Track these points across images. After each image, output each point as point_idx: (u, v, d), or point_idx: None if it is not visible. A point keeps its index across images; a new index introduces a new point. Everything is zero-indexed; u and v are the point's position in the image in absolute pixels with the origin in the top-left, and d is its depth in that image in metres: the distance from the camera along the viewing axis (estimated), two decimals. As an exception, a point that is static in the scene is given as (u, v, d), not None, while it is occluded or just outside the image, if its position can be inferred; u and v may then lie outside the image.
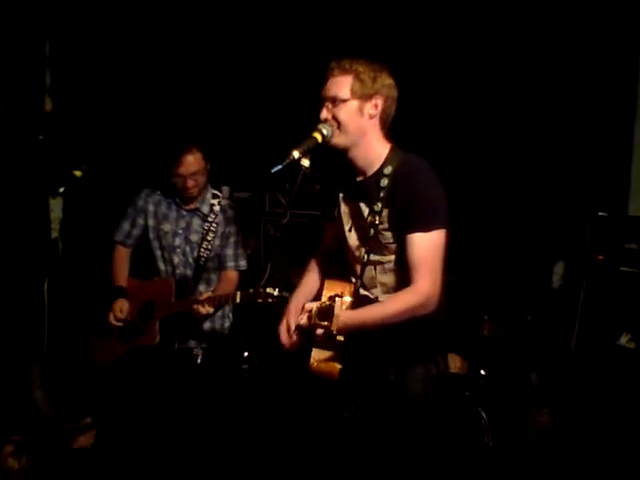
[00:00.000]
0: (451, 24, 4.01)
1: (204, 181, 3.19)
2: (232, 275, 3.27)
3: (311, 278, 2.59)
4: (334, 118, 2.24)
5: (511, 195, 3.94)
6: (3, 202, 3.90)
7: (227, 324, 3.39)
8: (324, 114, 2.25)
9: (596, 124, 3.81)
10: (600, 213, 3.62)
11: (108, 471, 3.09)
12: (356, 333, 2.16)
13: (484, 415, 3.24)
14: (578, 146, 3.86)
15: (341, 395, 2.42)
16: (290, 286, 2.89)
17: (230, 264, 3.27)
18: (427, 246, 2.18)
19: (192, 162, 3.08)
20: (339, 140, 2.26)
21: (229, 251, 3.26)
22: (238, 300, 2.91)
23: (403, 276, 2.26)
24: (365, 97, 2.23)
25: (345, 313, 2.08)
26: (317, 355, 2.27)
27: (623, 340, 3.40)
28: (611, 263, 3.53)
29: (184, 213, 3.25)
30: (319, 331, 2.09)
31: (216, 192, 3.30)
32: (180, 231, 3.25)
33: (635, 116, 3.81)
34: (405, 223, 2.20)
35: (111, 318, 3.18)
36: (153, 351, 3.13)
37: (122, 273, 3.33)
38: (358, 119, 2.25)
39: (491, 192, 3.91)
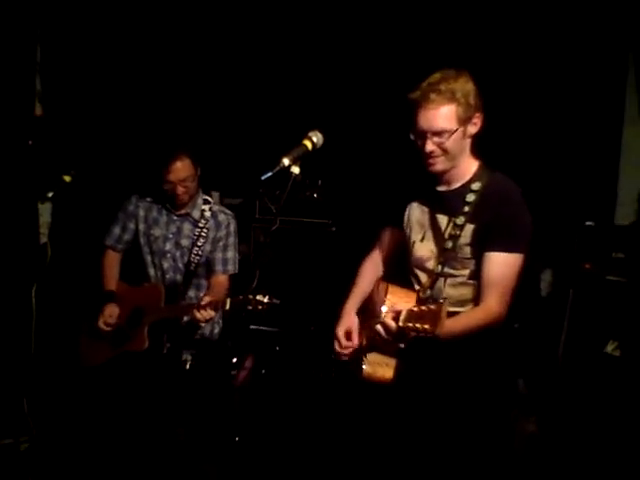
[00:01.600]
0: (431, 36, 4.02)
1: (194, 187, 3.18)
2: (222, 279, 3.26)
3: (365, 282, 2.59)
4: (440, 148, 2.22)
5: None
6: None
7: (217, 330, 3.38)
8: (430, 147, 2.21)
9: (583, 134, 3.84)
10: (587, 222, 3.64)
11: (96, 475, 3.08)
12: (441, 341, 2.13)
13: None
14: (565, 156, 3.88)
15: (390, 401, 2.42)
16: (280, 292, 2.89)
17: (219, 268, 3.25)
18: (505, 267, 2.21)
19: (181, 169, 3.07)
20: (445, 166, 2.26)
21: (218, 255, 3.25)
22: (228, 307, 2.90)
23: (471, 291, 2.29)
24: (468, 120, 2.23)
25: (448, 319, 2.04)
26: (373, 359, 2.26)
27: (609, 348, 3.42)
28: (598, 272, 3.55)
29: (175, 218, 3.25)
30: (412, 333, 2.05)
31: (207, 197, 3.30)
32: (170, 236, 3.24)
33: (622, 126, 3.84)
34: (487, 241, 2.21)
35: (101, 323, 3.16)
36: (142, 356, 3.12)
37: (112, 278, 3.32)
38: (462, 142, 2.26)
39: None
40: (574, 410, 3.43)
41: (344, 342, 2.42)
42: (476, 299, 2.26)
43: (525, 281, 3.82)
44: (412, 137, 2.26)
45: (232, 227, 3.29)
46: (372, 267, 2.62)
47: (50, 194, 3.00)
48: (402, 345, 2.15)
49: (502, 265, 2.20)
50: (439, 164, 2.25)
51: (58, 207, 3.20)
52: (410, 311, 2.03)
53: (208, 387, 3.27)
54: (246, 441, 3.32)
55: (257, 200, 4.28)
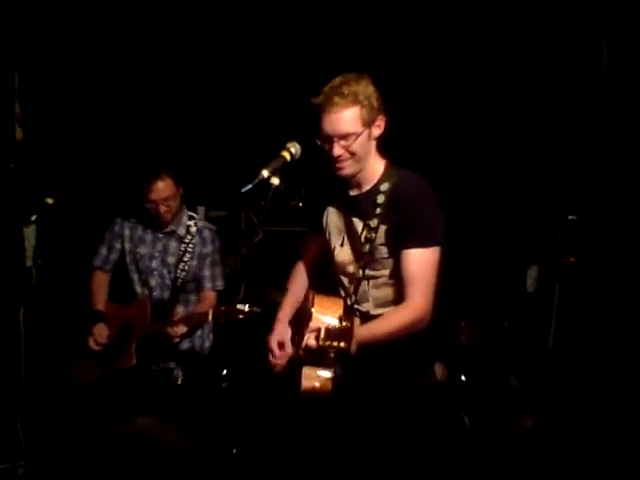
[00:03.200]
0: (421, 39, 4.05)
1: (177, 205, 3.19)
2: (210, 295, 3.28)
3: (296, 290, 2.60)
4: (347, 151, 2.23)
5: (482, 202, 3.99)
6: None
7: (207, 344, 3.39)
8: (337, 151, 2.22)
9: (564, 129, 3.87)
10: (570, 217, 3.67)
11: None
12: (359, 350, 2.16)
13: (467, 420, 3.26)
14: (547, 151, 3.91)
15: (332, 413, 2.42)
16: (266, 303, 2.90)
17: (207, 285, 3.28)
18: (423, 262, 2.22)
19: (163, 188, 3.09)
20: (353, 170, 2.27)
21: (206, 272, 3.27)
22: (210, 317, 2.92)
23: (395, 290, 2.31)
24: (372, 122, 2.24)
25: (357, 332, 2.06)
26: (309, 374, 2.25)
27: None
28: (583, 265, 3.58)
29: (160, 236, 3.26)
30: (331, 352, 2.10)
31: (192, 214, 3.32)
32: (157, 254, 3.25)
33: (602, 119, 3.87)
34: (402, 239, 2.23)
35: (91, 343, 3.17)
36: (131, 373, 3.12)
37: (100, 297, 3.33)
38: (368, 144, 2.27)
39: (462, 200, 3.96)
40: (567, 403, 3.46)
41: (277, 353, 2.40)
42: (400, 298, 2.27)
43: (511, 278, 3.90)
44: (318, 142, 2.27)
45: (217, 243, 3.31)
46: (300, 276, 2.63)
47: (34, 217, 3.01)
48: (332, 356, 2.15)
49: (419, 261, 2.22)
50: (347, 168, 2.26)
51: (42, 229, 3.20)
52: (327, 330, 2.05)
53: (200, 401, 3.27)
54: (244, 452, 3.32)
55: (242, 212, 4.30)
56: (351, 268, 2.37)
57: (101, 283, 3.35)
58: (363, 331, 2.16)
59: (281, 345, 2.43)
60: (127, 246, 3.30)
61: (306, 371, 2.26)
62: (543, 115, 3.91)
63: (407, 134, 3.86)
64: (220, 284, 3.30)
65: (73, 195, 3.70)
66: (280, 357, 2.40)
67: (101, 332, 3.18)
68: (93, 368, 3.22)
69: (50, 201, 3.01)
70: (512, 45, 3.88)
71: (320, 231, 2.50)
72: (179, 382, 3.20)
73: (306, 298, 2.52)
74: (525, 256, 3.86)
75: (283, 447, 3.08)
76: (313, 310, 2.31)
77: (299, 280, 2.63)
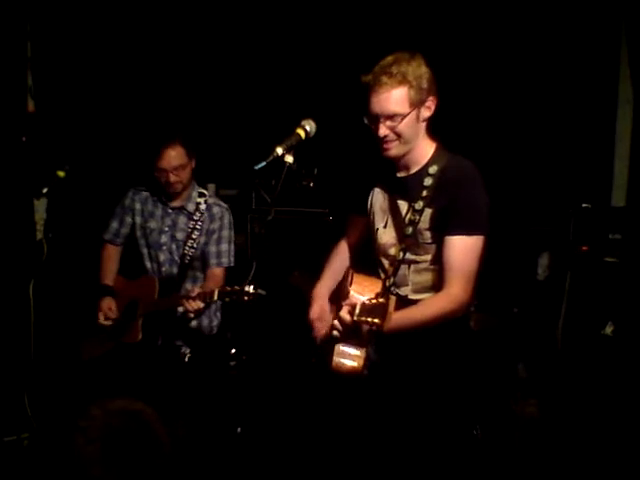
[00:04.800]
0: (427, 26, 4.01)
1: (187, 177, 3.16)
2: (216, 272, 3.25)
3: (337, 265, 2.58)
4: (394, 132, 2.20)
5: (496, 189, 3.95)
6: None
7: (215, 322, 3.38)
8: (383, 131, 2.19)
9: (578, 117, 3.83)
10: (584, 205, 3.64)
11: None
12: (394, 332, 2.13)
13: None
14: (561, 139, 3.87)
15: (362, 392, 2.41)
16: (277, 283, 2.89)
17: (213, 261, 3.25)
18: (466, 250, 2.18)
19: (174, 156, 3.05)
20: (399, 151, 2.24)
21: (212, 248, 3.24)
22: (215, 298, 2.90)
23: (436, 276, 2.27)
24: (421, 103, 2.20)
25: (395, 313, 2.03)
26: (341, 351, 2.24)
27: (608, 330, 3.43)
28: (595, 254, 3.55)
29: (170, 211, 3.24)
30: (365, 327, 2.07)
31: (203, 190, 3.28)
32: (166, 229, 3.24)
33: (617, 108, 3.83)
34: (447, 224, 2.19)
35: (101, 317, 3.17)
36: (138, 348, 3.13)
37: (110, 271, 3.32)
38: (416, 126, 2.23)
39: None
40: (574, 392, 3.45)
41: (319, 324, 2.41)
42: (440, 285, 2.24)
43: (522, 265, 3.88)
44: (366, 121, 2.24)
45: (226, 220, 3.27)
46: (341, 254, 2.61)
47: (45, 190, 3.00)
48: (365, 333, 2.13)
49: (462, 249, 2.18)
50: (393, 149, 2.23)
51: (53, 203, 3.20)
52: (363, 304, 2.03)
53: (207, 379, 3.27)
54: (248, 432, 3.33)
55: (253, 191, 4.28)
56: (392, 250, 2.34)
57: (111, 257, 3.35)
58: (400, 314, 2.12)
59: (321, 318, 2.42)
60: (138, 220, 3.29)
61: (338, 348, 2.24)
62: (558, 102, 3.87)
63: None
64: (226, 261, 3.26)
65: (84, 168, 3.70)
66: (321, 329, 2.39)
67: (110, 306, 3.19)
68: (100, 342, 3.23)
69: (61, 174, 3.00)
70: (529, 38, 3.85)
71: (364, 212, 2.47)
72: (186, 360, 3.20)
73: (345, 277, 2.49)
74: (537, 243, 3.83)
75: (290, 427, 3.10)
76: (351, 288, 2.29)
77: (339, 258, 2.60)
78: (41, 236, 3.35)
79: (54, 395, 3.46)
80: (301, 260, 4.01)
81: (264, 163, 2.17)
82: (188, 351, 3.23)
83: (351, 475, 2.45)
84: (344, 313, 2.13)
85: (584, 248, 3.57)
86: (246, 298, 2.73)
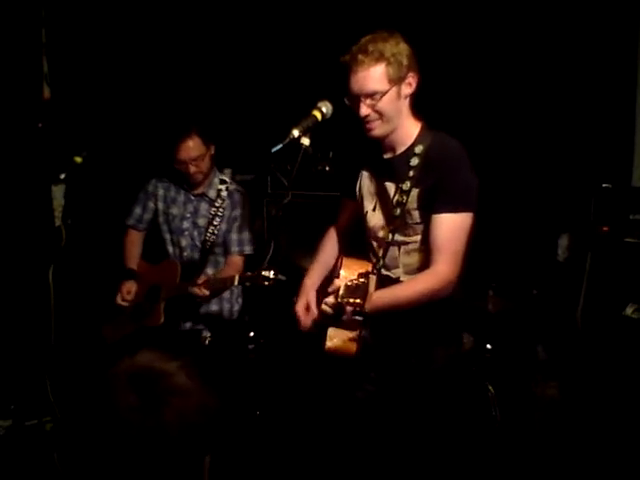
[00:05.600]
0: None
1: (207, 166, 3.17)
2: (236, 260, 3.27)
3: (326, 255, 2.57)
4: (375, 111, 2.18)
5: (515, 169, 3.91)
6: (5, 191, 3.91)
7: (236, 308, 3.41)
8: (364, 111, 2.17)
9: (598, 96, 3.77)
10: (604, 185, 3.59)
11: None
12: (379, 313, 2.15)
13: (491, 389, 3.25)
14: (581, 118, 3.82)
15: (357, 375, 2.41)
16: (294, 267, 2.89)
17: (234, 249, 3.27)
18: (453, 228, 2.16)
19: (192, 147, 3.07)
20: (382, 131, 2.22)
21: (234, 236, 3.26)
22: (236, 283, 2.94)
23: (426, 257, 2.25)
24: (401, 79, 2.18)
25: (376, 292, 2.04)
26: (334, 334, 2.25)
27: (629, 311, 3.39)
28: (616, 234, 3.51)
29: (192, 198, 3.27)
30: (348, 308, 2.07)
31: (224, 177, 3.30)
32: (188, 215, 3.27)
33: (637, 87, 3.77)
34: (434, 203, 2.18)
35: (119, 299, 3.23)
36: (159, 332, 3.16)
37: (133, 256, 3.36)
38: (397, 104, 2.21)
39: (494, 166, 3.89)
40: (594, 374, 3.42)
41: (303, 317, 2.40)
42: (429, 265, 2.22)
43: (542, 246, 3.85)
44: (347, 102, 2.22)
45: (247, 207, 3.29)
46: (330, 243, 2.60)
47: (62, 176, 3.01)
48: (359, 318, 2.12)
49: (449, 227, 2.16)
50: (377, 128, 2.21)
51: (71, 188, 3.21)
52: (346, 286, 2.02)
53: (227, 362, 3.29)
54: (267, 414, 3.34)
55: (269, 175, 4.26)
56: (382, 233, 2.33)
57: (134, 242, 3.39)
58: (383, 293, 2.13)
59: (307, 309, 2.41)
60: (160, 206, 3.31)
61: (331, 332, 2.25)
62: (578, 82, 3.81)
63: (443, 98, 3.81)
64: (248, 249, 3.29)
65: (102, 154, 3.71)
66: (306, 321, 2.39)
67: (129, 289, 3.24)
68: (122, 325, 3.27)
69: (79, 160, 3.00)
70: (549, 18, 3.78)
71: (353, 196, 2.45)
72: (206, 343, 3.23)
73: (336, 265, 2.49)
74: (557, 224, 3.79)
75: (305, 410, 3.11)
76: (340, 272, 2.30)
77: (329, 247, 2.60)
78: (59, 222, 3.37)
79: (76, 379, 3.49)
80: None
81: (280, 145, 2.16)
82: (209, 335, 3.25)
83: (354, 460, 2.45)
84: (329, 297, 2.15)
85: (604, 229, 3.52)
86: (266, 283, 2.73)
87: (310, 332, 2.39)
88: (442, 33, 3.94)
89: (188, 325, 3.32)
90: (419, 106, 2.36)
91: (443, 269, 2.16)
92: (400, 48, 2.16)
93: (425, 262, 2.27)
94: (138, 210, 3.36)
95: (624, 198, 3.57)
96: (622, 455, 3.03)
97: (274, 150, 2.16)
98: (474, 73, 3.95)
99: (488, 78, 3.93)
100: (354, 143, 2.42)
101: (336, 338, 2.24)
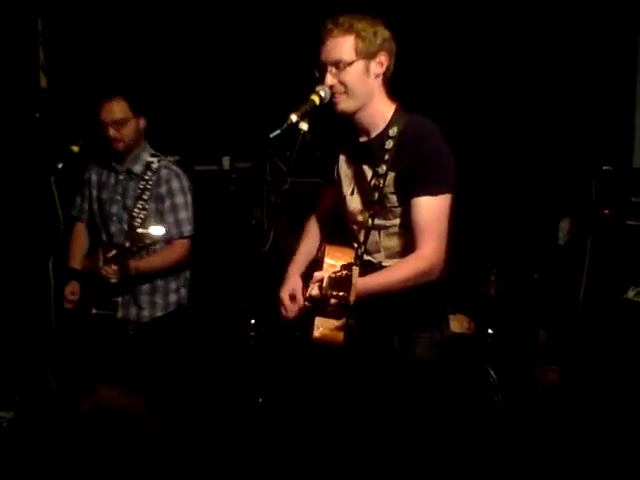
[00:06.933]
0: None
1: (130, 136, 3.01)
2: (180, 243, 3.08)
3: (309, 243, 2.54)
4: (340, 83, 2.15)
5: (515, 153, 3.90)
6: (3, 182, 3.90)
7: (172, 299, 3.19)
8: (329, 80, 2.15)
9: (597, 79, 3.76)
10: (605, 167, 3.58)
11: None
12: (364, 300, 2.14)
13: (493, 374, 3.25)
14: (581, 101, 3.81)
15: (346, 360, 2.40)
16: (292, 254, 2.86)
17: (173, 232, 3.05)
18: (433, 211, 2.13)
19: (114, 109, 2.96)
20: (347, 105, 2.19)
21: (169, 218, 3.05)
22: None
23: (407, 240, 2.22)
24: (370, 55, 2.15)
25: (361, 280, 2.02)
26: (321, 323, 2.22)
27: (630, 294, 3.39)
28: (617, 217, 3.50)
29: (120, 178, 3.09)
30: (333, 301, 2.05)
31: (157, 153, 3.10)
32: (118, 197, 3.09)
33: (637, 69, 3.75)
34: (411, 187, 2.14)
35: (66, 305, 3.12)
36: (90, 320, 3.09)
37: (77, 252, 3.23)
38: (365, 80, 2.17)
39: (495, 150, 3.88)
40: (596, 358, 3.42)
41: (288, 305, 2.37)
42: (411, 248, 2.18)
43: (543, 230, 3.84)
44: (317, 74, 2.20)
45: (174, 184, 3.05)
46: (312, 229, 2.56)
47: (60, 165, 2.99)
48: (334, 305, 2.10)
49: (429, 209, 2.12)
50: (341, 102, 2.17)
51: (68, 177, 3.19)
52: (329, 278, 2.00)
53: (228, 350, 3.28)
54: (270, 401, 3.34)
55: (267, 162, 4.25)
56: (361, 217, 2.30)
57: (79, 235, 3.25)
58: (367, 280, 2.11)
59: (292, 297, 2.39)
60: (94, 192, 3.17)
61: (317, 321, 2.23)
62: (578, 65, 3.79)
63: (445, 85, 3.80)
64: (188, 229, 3.07)
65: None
66: (291, 309, 2.37)
67: (73, 289, 3.12)
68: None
69: (76, 149, 2.98)
70: (549, 9, 3.78)
71: (333, 181, 2.44)
72: (130, 334, 3.09)
73: (319, 251, 2.47)
74: (558, 207, 3.79)
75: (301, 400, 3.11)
76: (324, 260, 2.28)
77: (311, 233, 2.57)
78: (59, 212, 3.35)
79: (76, 369, 3.50)
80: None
81: (279, 131, 2.13)
82: (133, 326, 3.11)
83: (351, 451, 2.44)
84: (313, 289, 2.12)
85: (606, 211, 3.52)
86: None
87: (292, 322, 2.36)
88: (446, 24, 3.94)
89: (120, 314, 3.10)
90: (422, 96, 2.34)
91: (428, 252, 2.13)
92: (375, 27, 2.15)
93: (406, 245, 2.24)
94: (78, 199, 3.23)
95: (625, 180, 3.57)
96: (623, 441, 3.03)
97: (272, 135, 2.14)
98: (477, 61, 3.94)
99: (491, 65, 3.92)
100: (331, 127, 2.40)
101: (323, 327, 2.22)
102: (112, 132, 2.97)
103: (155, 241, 3.04)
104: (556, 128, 3.83)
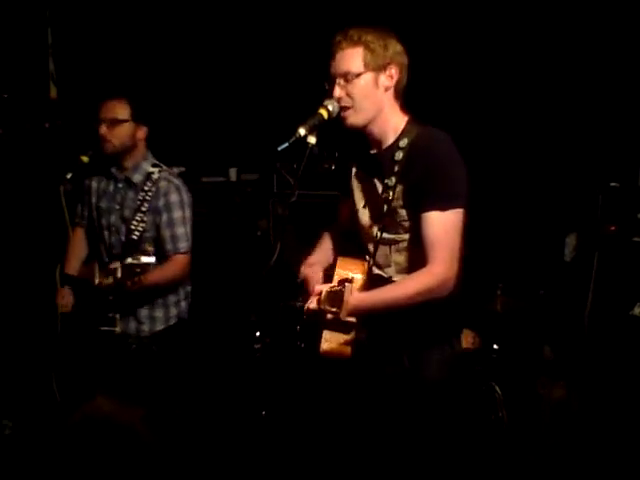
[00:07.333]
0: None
1: (122, 139, 2.95)
2: (176, 259, 3.00)
3: (325, 247, 2.54)
4: (348, 95, 2.15)
5: (522, 169, 3.90)
6: (13, 191, 3.92)
7: (173, 312, 3.14)
8: (337, 92, 2.14)
9: (605, 95, 3.76)
10: (612, 184, 3.57)
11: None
12: (367, 315, 2.12)
13: (498, 390, 3.23)
14: (588, 117, 3.81)
15: (354, 376, 2.39)
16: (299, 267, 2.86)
17: (169, 247, 2.98)
18: (444, 226, 2.09)
19: (112, 107, 2.94)
20: (356, 119, 2.18)
21: (166, 232, 2.98)
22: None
23: (418, 255, 2.17)
24: (379, 68, 2.14)
25: (356, 297, 2.01)
26: (328, 337, 2.21)
27: (636, 310, 3.37)
28: (624, 234, 3.49)
29: (120, 186, 3.04)
30: (329, 316, 2.05)
31: (158, 162, 3.05)
32: (117, 207, 3.04)
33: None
34: (420, 200, 2.11)
35: (60, 309, 3.10)
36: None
37: (74, 258, 3.21)
38: (374, 93, 2.16)
39: (501, 166, 3.88)
40: (602, 374, 3.40)
41: (311, 279, 2.36)
42: (422, 264, 2.14)
43: (549, 246, 3.83)
44: (326, 87, 2.20)
45: (173, 198, 2.97)
46: (329, 239, 2.56)
47: (69, 175, 3.00)
48: (353, 320, 2.10)
49: (439, 224, 2.08)
50: (350, 117, 2.17)
51: (77, 188, 3.21)
52: (327, 292, 2.00)
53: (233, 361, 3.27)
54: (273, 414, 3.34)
55: (275, 175, 4.26)
56: (371, 231, 2.28)
57: (77, 241, 3.23)
58: (370, 295, 2.10)
59: (312, 279, 2.36)
60: (93, 200, 3.13)
61: (326, 334, 2.21)
62: (585, 80, 3.79)
63: (451, 98, 3.80)
64: (185, 246, 2.98)
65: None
66: (314, 284, 2.32)
67: (64, 297, 3.10)
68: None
69: (85, 159, 2.99)
70: (559, 21, 3.78)
71: (348, 194, 2.43)
72: (133, 348, 3.07)
73: (333, 263, 2.45)
74: (564, 223, 3.78)
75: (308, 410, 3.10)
76: (335, 272, 2.27)
77: (326, 244, 2.56)
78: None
79: (81, 377, 3.50)
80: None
81: (287, 144, 2.14)
82: (135, 342, 3.07)
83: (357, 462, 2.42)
84: (311, 302, 2.13)
85: (612, 228, 3.50)
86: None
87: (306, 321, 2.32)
88: (450, 30, 3.94)
89: (119, 329, 3.05)
90: (425, 105, 2.34)
91: (438, 269, 2.09)
92: (385, 39, 2.14)
93: (414, 261, 2.20)
94: (79, 207, 3.22)
95: (632, 197, 3.55)
96: (629, 457, 3.01)
97: (280, 149, 2.14)
98: (482, 73, 3.94)
99: (497, 78, 3.92)
100: (346, 140, 2.40)
101: (330, 341, 2.20)
102: (103, 130, 2.92)
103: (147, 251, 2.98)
104: (563, 144, 3.83)
